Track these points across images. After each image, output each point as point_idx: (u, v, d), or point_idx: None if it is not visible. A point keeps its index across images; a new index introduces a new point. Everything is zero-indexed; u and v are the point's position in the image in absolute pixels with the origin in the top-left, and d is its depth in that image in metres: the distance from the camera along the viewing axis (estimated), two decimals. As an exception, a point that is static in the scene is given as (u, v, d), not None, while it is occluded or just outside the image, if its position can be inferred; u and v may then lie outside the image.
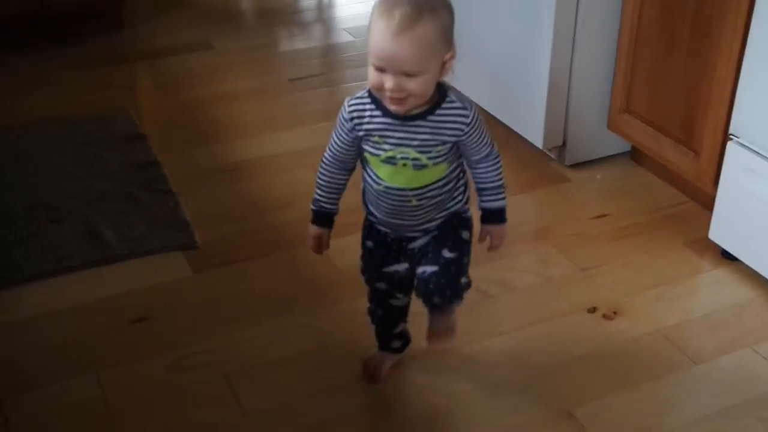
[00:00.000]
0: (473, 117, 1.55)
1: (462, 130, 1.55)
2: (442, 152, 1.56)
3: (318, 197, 1.70)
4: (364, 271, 1.78)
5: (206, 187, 2.60)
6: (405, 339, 1.91)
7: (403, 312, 1.85)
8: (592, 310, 2.08)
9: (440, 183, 1.60)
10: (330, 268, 2.20)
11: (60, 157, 2.72)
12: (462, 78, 2.96)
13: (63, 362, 1.94)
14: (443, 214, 1.66)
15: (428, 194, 1.60)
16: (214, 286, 2.19)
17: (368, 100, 1.56)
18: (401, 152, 1.55)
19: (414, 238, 1.69)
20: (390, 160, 1.56)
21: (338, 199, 1.70)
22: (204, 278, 2.22)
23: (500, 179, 1.67)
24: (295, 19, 4.00)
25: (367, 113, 1.56)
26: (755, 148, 2.04)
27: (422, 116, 1.53)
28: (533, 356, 1.95)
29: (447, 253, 1.66)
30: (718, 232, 2.21)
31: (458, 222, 1.68)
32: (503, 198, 1.69)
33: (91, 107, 3.04)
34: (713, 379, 1.88)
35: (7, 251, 2.27)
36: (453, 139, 1.55)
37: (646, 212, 2.46)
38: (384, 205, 1.63)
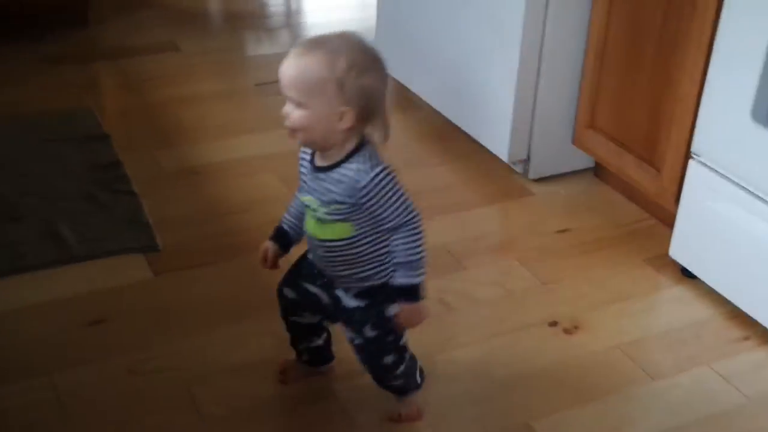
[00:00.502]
0: (370, 181, 1.48)
1: (352, 194, 1.49)
2: (340, 210, 1.52)
3: (283, 220, 1.71)
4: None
5: (169, 189, 2.57)
6: (318, 356, 1.86)
7: (307, 330, 1.80)
8: (553, 324, 2.09)
9: (343, 243, 1.56)
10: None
11: (20, 154, 2.67)
12: (428, 88, 2.98)
13: (16, 363, 1.90)
14: (360, 284, 1.61)
15: (333, 251, 1.58)
16: (174, 289, 2.17)
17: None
18: (308, 201, 1.57)
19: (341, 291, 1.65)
20: (305, 204, 1.59)
21: (296, 225, 1.68)
22: (164, 281, 2.20)
23: (416, 255, 1.55)
24: (263, 24, 3.98)
25: (306, 154, 1.59)
26: (716, 168, 2.07)
27: (328, 169, 1.52)
28: (494, 368, 1.95)
29: (368, 331, 1.64)
30: (678, 250, 2.24)
31: (384, 298, 1.61)
32: (417, 276, 1.57)
33: (54, 105, 3.00)
34: (670, 396, 1.90)
35: (-39, 248, 2.22)
36: (345, 199, 1.50)
37: (608, 228, 2.48)
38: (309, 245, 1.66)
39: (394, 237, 1.55)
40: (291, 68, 1.46)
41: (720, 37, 2.00)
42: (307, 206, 1.59)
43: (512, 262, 2.32)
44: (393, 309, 1.61)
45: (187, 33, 3.72)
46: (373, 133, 1.53)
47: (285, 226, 1.70)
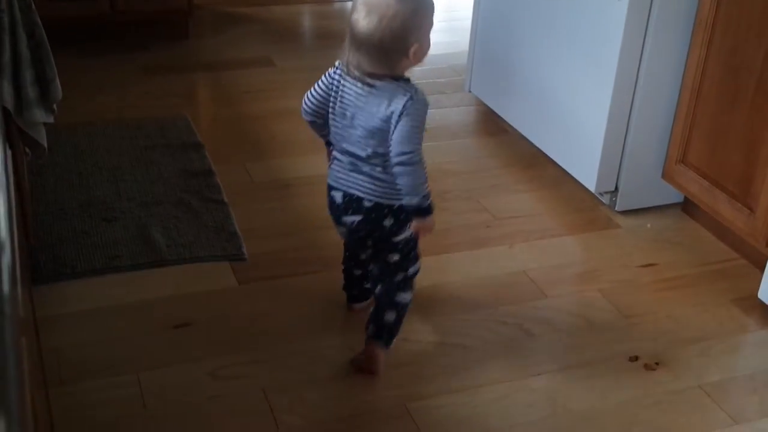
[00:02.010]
0: None
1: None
2: None
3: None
4: None
5: (258, 200, 2.63)
6: (362, 295, 2.16)
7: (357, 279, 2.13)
8: (634, 358, 2.07)
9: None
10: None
11: (119, 158, 2.77)
12: (518, 115, 2.98)
13: (104, 360, 1.97)
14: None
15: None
16: (257, 298, 2.22)
17: None
18: None
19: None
20: None
21: None
22: (248, 290, 2.24)
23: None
24: (357, 44, 4.03)
25: None
26: (813, 211, 2.02)
27: None
28: (571, 399, 1.93)
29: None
30: (768, 292, 2.18)
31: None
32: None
33: (153, 113, 3.10)
34: (753, 441, 1.85)
35: (60, 246, 2.31)
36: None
37: (694, 265, 2.44)
38: None
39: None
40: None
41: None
42: None
43: (595, 293, 2.30)
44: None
45: (282, 49, 3.81)
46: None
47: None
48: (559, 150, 2.80)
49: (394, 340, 1.98)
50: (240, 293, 2.23)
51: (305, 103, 1.89)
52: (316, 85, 1.87)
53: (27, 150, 2.12)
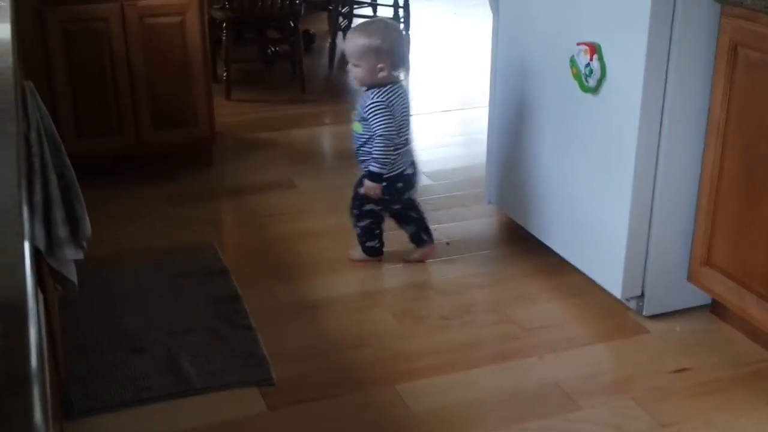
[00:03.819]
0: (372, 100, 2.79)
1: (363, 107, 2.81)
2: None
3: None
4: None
5: (285, 322, 2.65)
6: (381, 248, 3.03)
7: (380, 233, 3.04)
8: (674, 469, 2.02)
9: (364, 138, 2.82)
10: (403, 411, 2.20)
11: (147, 288, 2.82)
12: (539, 224, 3.01)
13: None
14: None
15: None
16: (288, 424, 2.20)
17: None
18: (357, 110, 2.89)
19: None
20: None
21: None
22: (278, 416, 2.23)
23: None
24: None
25: None
26: (843, 308, 2.00)
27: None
28: None
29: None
30: (806, 393, 2.14)
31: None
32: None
33: (179, 241, 3.16)
34: None
35: (91, 379, 2.33)
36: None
37: (727, 368, 2.41)
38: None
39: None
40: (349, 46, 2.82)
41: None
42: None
43: (628, 402, 2.27)
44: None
45: (303, 170, 3.89)
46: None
47: None
48: (582, 257, 2.81)
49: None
50: (270, 419, 2.23)
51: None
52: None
53: (58, 287, 2.16)
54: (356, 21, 5.76)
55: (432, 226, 3.06)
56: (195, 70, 3.64)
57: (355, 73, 2.80)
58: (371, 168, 2.79)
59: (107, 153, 3.61)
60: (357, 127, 2.84)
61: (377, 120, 2.74)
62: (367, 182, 2.81)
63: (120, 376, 2.35)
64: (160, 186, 3.64)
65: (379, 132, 2.74)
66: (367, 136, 2.79)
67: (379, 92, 2.76)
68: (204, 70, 3.68)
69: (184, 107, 3.68)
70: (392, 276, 2.88)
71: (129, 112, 3.58)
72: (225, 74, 4.79)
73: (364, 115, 2.77)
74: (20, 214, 1.10)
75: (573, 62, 2.62)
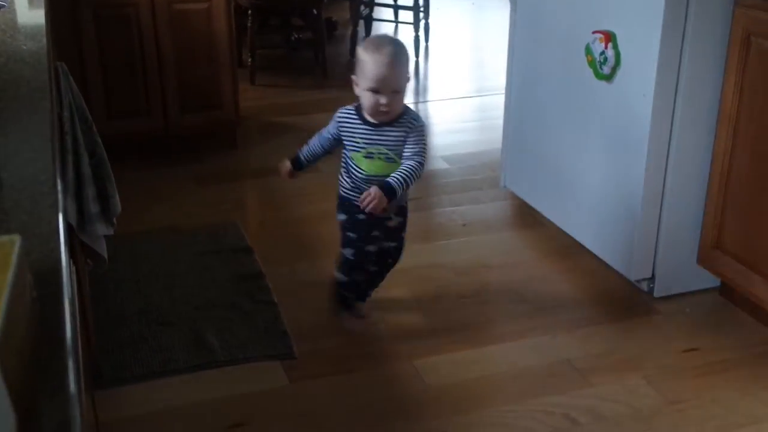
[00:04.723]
0: (419, 119, 2.35)
1: (411, 130, 2.30)
2: (399, 146, 2.31)
3: (300, 152, 2.51)
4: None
5: (306, 299, 2.73)
6: (363, 294, 2.60)
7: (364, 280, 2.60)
8: (681, 444, 2.09)
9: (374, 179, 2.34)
10: (420, 385, 2.28)
11: (174, 265, 2.91)
12: (552, 207, 3.07)
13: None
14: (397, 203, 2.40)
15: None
16: (309, 396, 2.29)
17: (355, 114, 2.36)
18: (375, 150, 2.32)
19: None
20: (367, 154, 2.33)
21: (310, 158, 2.51)
22: (300, 388, 2.32)
23: (410, 173, 2.27)
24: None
25: (352, 122, 2.35)
26: None
27: (393, 122, 2.30)
28: (618, 486, 1.95)
29: (401, 234, 2.54)
30: (810, 373, 2.20)
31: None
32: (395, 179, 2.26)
33: (205, 220, 3.26)
34: None
35: (120, 351, 2.43)
36: (405, 136, 2.30)
37: (736, 349, 2.47)
38: (364, 187, 2.31)
39: (407, 157, 2.30)
40: (397, 72, 2.26)
41: None
42: (369, 155, 2.33)
43: (639, 380, 2.34)
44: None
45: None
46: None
47: (301, 156, 2.50)
48: (594, 240, 2.88)
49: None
50: (291, 391, 2.31)
51: None
52: None
53: (89, 261, 2.26)
54: (377, 10, 5.82)
55: (449, 208, 3.12)
56: (221, 55, 3.73)
57: (396, 104, 2.27)
58: (393, 181, 2.25)
59: (136, 135, 3.71)
60: (365, 164, 2.34)
61: (425, 143, 2.33)
62: (376, 189, 2.24)
63: (148, 349, 2.45)
64: (186, 167, 3.73)
65: (424, 157, 2.32)
66: (377, 177, 2.31)
67: (413, 113, 2.36)
68: (230, 55, 3.76)
69: (210, 91, 3.77)
70: (410, 256, 2.94)
71: (157, 95, 3.68)
72: (250, 60, 4.87)
73: (403, 145, 2.31)
74: (54, 186, 1.14)
75: (588, 50, 2.68)
